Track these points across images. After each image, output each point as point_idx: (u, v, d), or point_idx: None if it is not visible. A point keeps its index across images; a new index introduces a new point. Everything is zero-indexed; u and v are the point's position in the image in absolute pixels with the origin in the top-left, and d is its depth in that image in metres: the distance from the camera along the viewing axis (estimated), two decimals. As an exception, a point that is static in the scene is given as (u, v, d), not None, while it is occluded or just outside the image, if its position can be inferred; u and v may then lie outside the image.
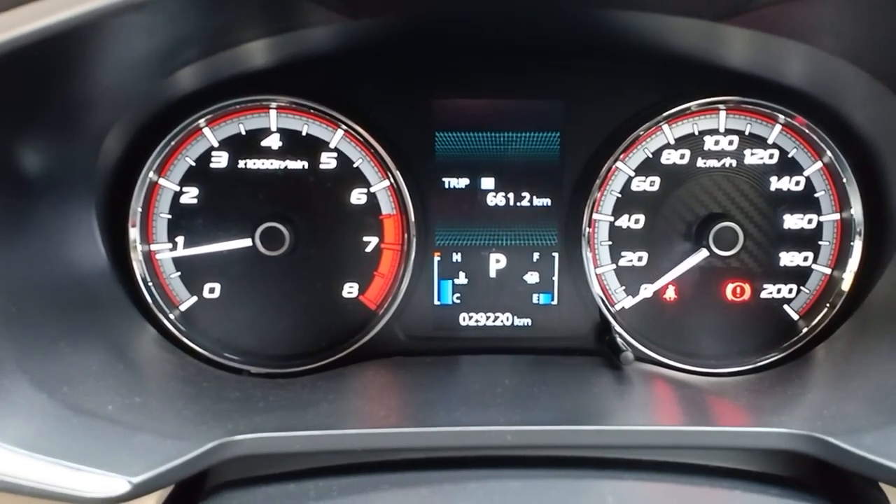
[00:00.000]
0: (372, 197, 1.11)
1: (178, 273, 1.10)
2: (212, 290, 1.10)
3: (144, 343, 1.03)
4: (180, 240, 1.09)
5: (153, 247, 1.09)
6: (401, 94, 1.10)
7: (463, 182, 1.12)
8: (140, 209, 1.07)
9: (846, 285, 1.10)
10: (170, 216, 1.08)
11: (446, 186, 1.12)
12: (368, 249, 1.11)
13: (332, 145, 1.09)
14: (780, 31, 0.88)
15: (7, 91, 0.73)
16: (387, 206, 1.11)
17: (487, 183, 1.12)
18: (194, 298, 1.10)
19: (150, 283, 1.08)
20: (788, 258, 1.12)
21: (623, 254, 1.12)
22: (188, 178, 1.08)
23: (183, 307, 1.10)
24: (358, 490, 0.75)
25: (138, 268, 1.07)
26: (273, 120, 1.08)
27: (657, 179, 1.11)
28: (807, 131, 1.08)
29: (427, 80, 1.11)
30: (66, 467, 0.68)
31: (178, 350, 1.07)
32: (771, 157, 1.10)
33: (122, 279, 1.04)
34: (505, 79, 1.11)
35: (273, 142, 1.08)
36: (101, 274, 1.00)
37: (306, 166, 1.09)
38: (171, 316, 1.09)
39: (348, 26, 0.90)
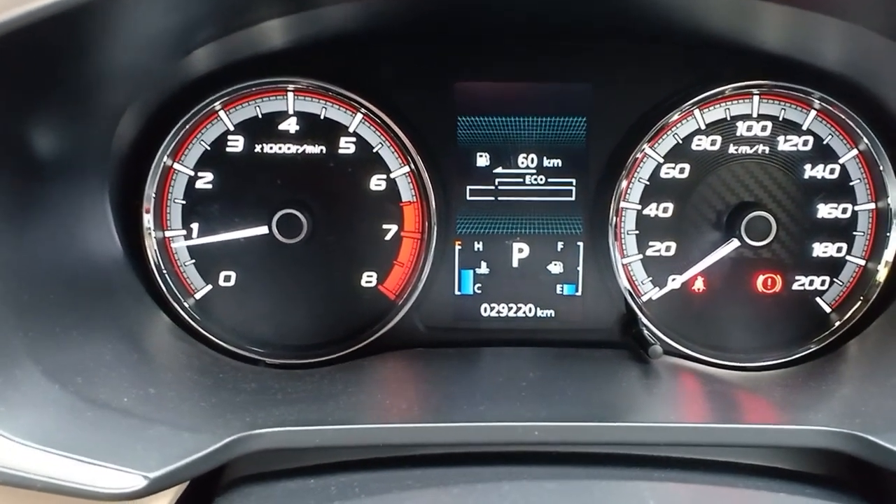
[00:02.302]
0: (392, 183, 1.08)
1: (193, 261, 1.07)
2: (227, 279, 1.08)
3: (159, 332, 1.01)
4: (195, 226, 1.06)
5: (168, 233, 1.06)
6: (422, 76, 1.08)
7: (485, 168, 1.09)
8: (154, 194, 1.04)
9: (881, 277, 1.07)
10: (184, 202, 1.06)
11: (468, 173, 1.09)
12: (388, 237, 1.09)
13: (351, 129, 1.06)
14: (819, 7, 0.84)
15: (20, 69, 0.71)
16: (407, 192, 1.08)
17: (510, 170, 1.09)
18: (209, 287, 1.08)
19: (165, 271, 1.06)
20: (821, 249, 1.09)
21: (650, 243, 1.09)
22: (203, 163, 1.06)
23: (198, 295, 1.08)
24: (381, 487, 0.73)
25: (152, 255, 1.05)
26: (290, 103, 1.05)
27: (687, 166, 1.07)
28: (842, 117, 1.05)
29: (449, 63, 1.08)
30: (79, 462, 0.66)
31: (193, 340, 1.05)
32: (805, 143, 1.07)
33: (135, 266, 1.02)
34: (529, 61, 1.08)
35: (290, 125, 1.06)
36: (115, 261, 0.98)
37: (324, 151, 1.06)
38: (186, 304, 1.06)
39: (370, 4, 0.87)
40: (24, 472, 0.65)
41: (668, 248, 1.09)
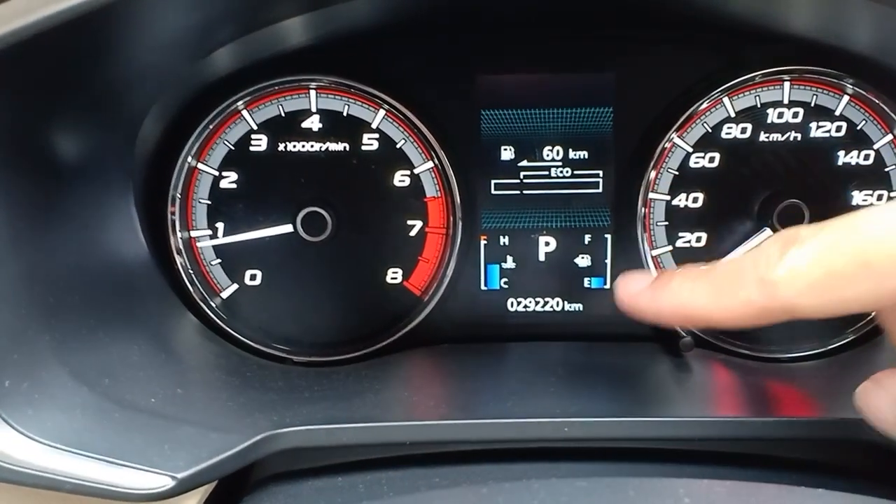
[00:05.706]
0: (415, 179, 1.07)
1: (219, 260, 1.07)
2: (253, 278, 1.08)
3: (185, 332, 1.01)
4: (220, 226, 1.06)
5: (193, 233, 1.06)
6: (444, 70, 1.06)
7: (510, 162, 1.08)
8: (179, 195, 1.04)
9: (919, 265, 1.04)
10: (209, 202, 1.06)
11: (492, 167, 1.08)
12: (412, 233, 1.08)
13: (373, 126, 1.05)
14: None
15: (43, 72, 0.71)
16: (431, 188, 1.07)
17: (536, 162, 1.08)
18: (235, 286, 1.08)
19: (191, 271, 1.06)
20: (857, 237, 1.06)
21: (680, 234, 1.07)
22: (227, 163, 1.05)
23: (224, 295, 1.08)
24: (409, 485, 0.72)
25: (178, 255, 1.05)
26: (313, 101, 1.05)
27: (717, 155, 1.05)
28: (876, 102, 1.02)
29: (471, 56, 1.06)
30: (108, 463, 0.67)
31: (219, 339, 1.05)
32: (838, 129, 1.04)
33: (161, 267, 1.02)
34: (553, 52, 1.06)
35: (313, 123, 1.05)
36: (141, 262, 0.98)
37: (348, 148, 1.06)
38: (213, 304, 1.06)
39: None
40: (52, 475, 0.66)
41: (698, 239, 1.07)
